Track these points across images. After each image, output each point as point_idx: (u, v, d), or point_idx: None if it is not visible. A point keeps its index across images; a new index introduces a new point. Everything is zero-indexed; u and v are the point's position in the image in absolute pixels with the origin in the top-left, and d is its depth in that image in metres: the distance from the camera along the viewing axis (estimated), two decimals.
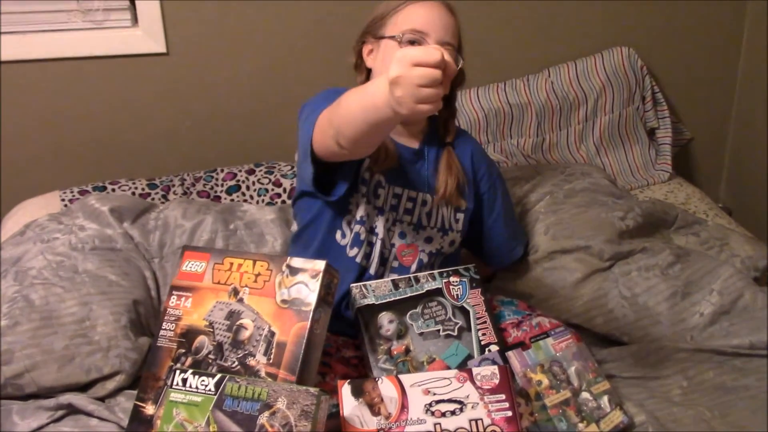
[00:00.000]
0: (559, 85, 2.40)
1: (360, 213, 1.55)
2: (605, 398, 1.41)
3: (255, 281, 1.35)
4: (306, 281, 1.31)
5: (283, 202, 2.12)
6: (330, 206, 1.56)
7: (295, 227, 1.71)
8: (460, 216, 1.65)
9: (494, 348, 1.45)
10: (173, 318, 1.38)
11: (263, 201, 2.12)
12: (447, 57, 1.10)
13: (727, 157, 2.78)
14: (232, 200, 2.12)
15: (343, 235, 1.56)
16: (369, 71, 1.60)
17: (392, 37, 1.50)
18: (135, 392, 1.47)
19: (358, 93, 1.25)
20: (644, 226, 1.86)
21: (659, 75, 2.54)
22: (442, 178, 1.61)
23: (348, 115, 1.25)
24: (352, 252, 1.55)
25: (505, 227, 1.76)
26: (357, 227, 1.55)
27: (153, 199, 2.08)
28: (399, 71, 1.08)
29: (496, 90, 2.40)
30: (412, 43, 1.49)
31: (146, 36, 2.20)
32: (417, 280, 1.51)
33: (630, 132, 2.46)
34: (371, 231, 1.57)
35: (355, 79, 1.63)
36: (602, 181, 2.04)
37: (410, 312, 1.47)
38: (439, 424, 1.25)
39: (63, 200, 2.06)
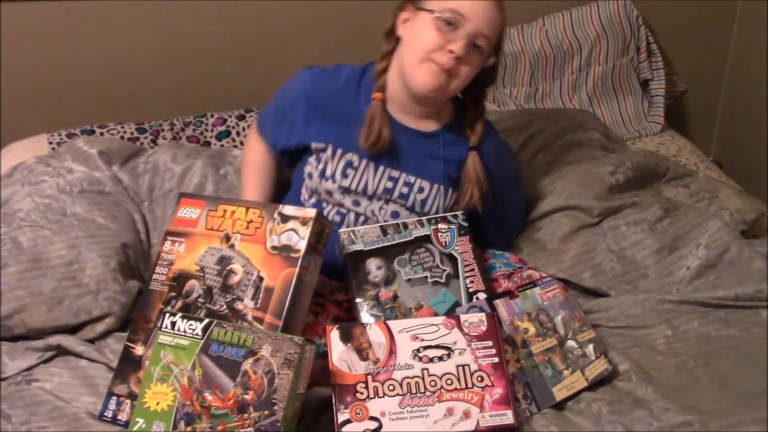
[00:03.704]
0: (553, 34, 2.38)
1: (324, 186, 1.58)
2: (590, 346, 1.42)
3: (247, 228, 1.36)
4: (296, 228, 1.32)
5: None
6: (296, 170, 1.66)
7: None
8: (457, 209, 1.62)
9: (482, 296, 1.46)
10: (166, 262, 1.39)
11: None
12: None
13: (720, 110, 2.77)
14: (222, 146, 2.11)
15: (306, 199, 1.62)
16: (398, 41, 1.57)
17: (431, 11, 1.47)
18: (124, 335, 1.48)
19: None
20: (634, 179, 1.86)
21: (655, 25, 2.51)
22: (467, 188, 1.59)
23: None
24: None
25: (512, 215, 1.77)
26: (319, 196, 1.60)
27: (142, 143, 2.06)
28: None
29: None
30: (449, 23, 1.46)
31: None
32: (405, 226, 1.50)
33: (623, 83, 2.44)
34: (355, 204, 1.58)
35: (382, 46, 1.59)
36: (594, 135, 2.03)
37: (398, 258, 1.48)
38: (427, 369, 1.27)
39: (51, 143, 2.04)
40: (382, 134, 1.53)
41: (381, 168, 1.57)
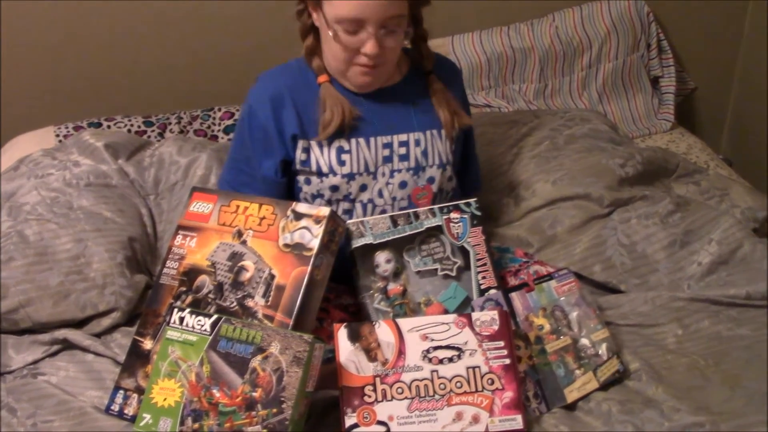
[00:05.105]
0: (563, 30, 2.36)
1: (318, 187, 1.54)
2: (604, 346, 1.40)
3: (259, 224, 1.35)
4: (309, 226, 1.30)
5: None
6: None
7: None
8: (454, 146, 1.61)
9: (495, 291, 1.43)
10: (177, 257, 1.38)
11: None
12: None
13: (730, 108, 2.75)
14: (229, 140, 2.10)
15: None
16: (317, 31, 1.50)
17: (331, 27, 1.41)
18: (131, 329, 1.48)
19: None
20: (644, 173, 1.84)
21: (665, 22, 2.49)
22: (437, 113, 1.57)
23: None
24: None
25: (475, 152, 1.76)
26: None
27: (149, 136, 2.05)
28: None
29: (499, 34, 2.36)
30: (352, 32, 1.40)
31: None
32: (417, 216, 1.46)
33: (633, 80, 2.43)
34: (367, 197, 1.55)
35: (301, 39, 1.54)
36: (602, 126, 2.02)
37: (407, 248, 1.44)
38: (436, 371, 1.24)
39: (57, 136, 2.04)
40: (334, 117, 1.48)
41: (372, 140, 1.53)
